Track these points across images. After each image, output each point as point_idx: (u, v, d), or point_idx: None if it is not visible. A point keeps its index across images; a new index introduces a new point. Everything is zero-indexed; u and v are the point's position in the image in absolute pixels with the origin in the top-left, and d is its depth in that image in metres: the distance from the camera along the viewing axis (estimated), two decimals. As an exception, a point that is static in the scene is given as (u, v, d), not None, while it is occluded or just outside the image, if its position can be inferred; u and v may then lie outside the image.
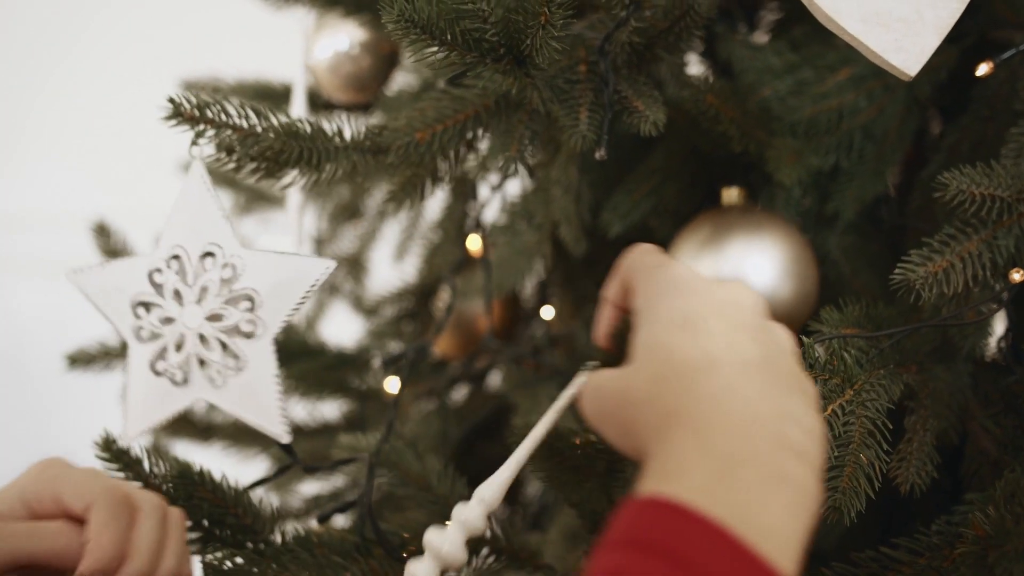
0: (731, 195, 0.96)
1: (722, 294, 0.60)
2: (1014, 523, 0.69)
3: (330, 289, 1.47)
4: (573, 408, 0.69)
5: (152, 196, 2.09)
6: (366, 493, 0.84)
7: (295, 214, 1.03)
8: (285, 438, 0.80)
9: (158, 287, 0.80)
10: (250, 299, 0.78)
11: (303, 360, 1.20)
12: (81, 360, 1.12)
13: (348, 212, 1.42)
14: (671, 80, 0.92)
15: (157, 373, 0.82)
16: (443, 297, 1.27)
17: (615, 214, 0.99)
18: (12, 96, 2.55)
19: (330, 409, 1.30)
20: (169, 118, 0.73)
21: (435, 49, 0.74)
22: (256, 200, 1.44)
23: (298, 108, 1.08)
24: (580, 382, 0.68)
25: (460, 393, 1.30)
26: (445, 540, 0.67)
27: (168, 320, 0.80)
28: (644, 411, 0.57)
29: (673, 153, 0.98)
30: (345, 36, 1.11)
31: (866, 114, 0.95)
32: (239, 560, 0.80)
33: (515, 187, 1.17)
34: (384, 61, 1.13)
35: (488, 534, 0.86)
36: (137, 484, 0.82)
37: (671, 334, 0.58)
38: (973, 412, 0.85)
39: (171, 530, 0.75)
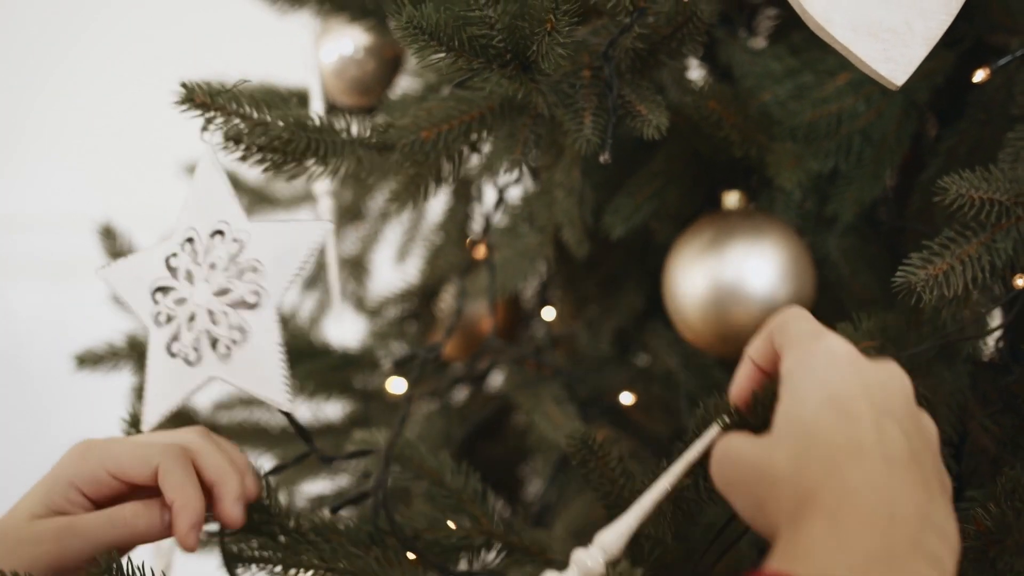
0: (732, 198, 0.98)
1: (873, 375, 0.59)
2: (1015, 518, 0.70)
3: (329, 290, 1.48)
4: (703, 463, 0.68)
5: (151, 197, 2.10)
6: (381, 484, 0.85)
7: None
8: (287, 405, 0.79)
9: (173, 271, 0.81)
10: (255, 270, 0.79)
11: (308, 361, 1.21)
12: (89, 360, 1.13)
13: (350, 214, 1.43)
14: (673, 85, 0.94)
15: (172, 355, 0.82)
16: (446, 299, 1.28)
17: (617, 217, 1.00)
18: (11, 96, 2.55)
19: (334, 409, 1.31)
20: (181, 103, 0.74)
21: (442, 55, 0.75)
22: (259, 202, 1.45)
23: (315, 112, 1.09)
24: (711, 436, 0.67)
25: (462, 393, 1.31)
26: None
27: (181, 301, 0.81)
28: (780, 490, 0.56)
29: (674, 157, 0.99)
30: (350, 40, 1.12)
31: (865, 118, 0.96)
32: (257, 545, 0.81)
33: (517, 189, 1.18)
34: (388, 65, 1.14)
35: (497, 529, 0.87)
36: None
37: (818, 413, 0.57)
38: (972, 411, 0.85)
39: (227, 449, 0.77)
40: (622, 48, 0.83)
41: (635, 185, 1.00)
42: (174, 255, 0.82)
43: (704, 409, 0.71)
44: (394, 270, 1.39)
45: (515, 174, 0.98)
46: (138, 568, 0.74)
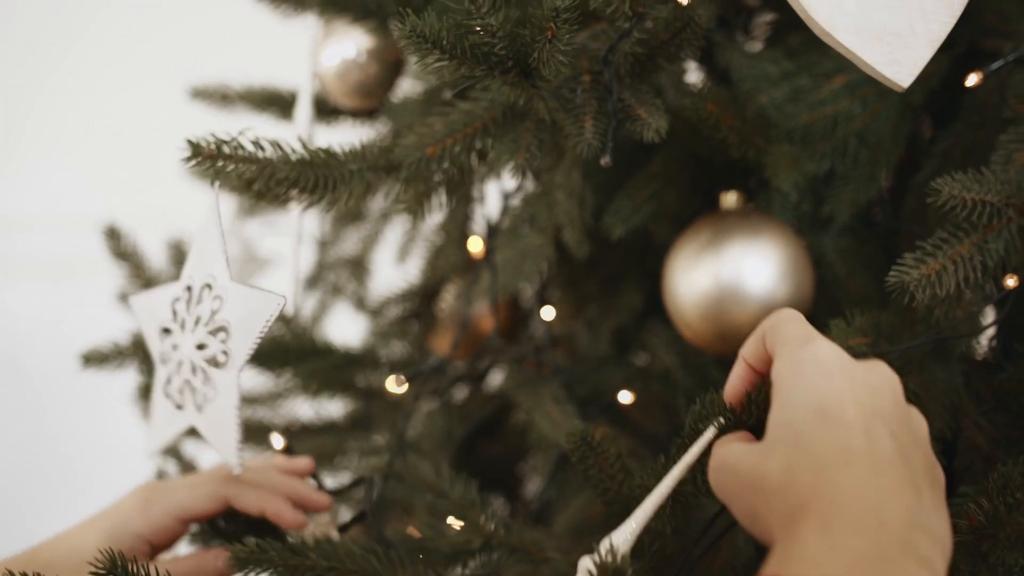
0: (729, 199, 0.99)
1: (862, 378, 0.60)
2: (1006, 513, 0.71)
3: (333, 290, 1.49)
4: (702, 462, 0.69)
5: (151, 198, 2.11)
6: (372, 513, 0.89)
7: (296, 218, 1.05)
8: (237, 469, 0.83)
9: (175, 315, 0.84)
10: (225, 330, 0.80)
11: (311, 360, 1.22)
12: (94, 359, 1.14)
13: (351, 215, 1.44)
14: (671, 88, 0.95)
15: (167, 396, 0.86)
16: (447, 298, 1.29)
17: (617, 218, 1.01)
18: (11, 97, 2.55)
19: (336, 408, 1.32)
20: (189, 159, 0.76)
21: (445, 62, 0.76)
22: (260, 203, 1.46)
23: (303, 115, 1.10)
24: (707, 438, 0.69)
25: (462, 392, 1.32)
26: None
27: (176, 347, 0.84)
28: (774, 501, 0.58)
29: (673, 159, 1.00)
30: (352, 43, 1.13)
31: (860, 120, 0.97)
32: (264, 547, 0.83)
33: (517, 191, 1.19)
34: (390, 68, 1.15)
35: (497, 533, 0.88)
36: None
37: (808, 421, 0.58)
38: (966, 409, 0.87)
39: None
40: (621, 53, 0.84)
41: (634, 187, 1.01)
42: (178, 299, 0.84)
43: (701, 406, 0.72)
44: (395, 270, 1.40)
45: (518, 178, 0.99)
46: (142, 567, 0.77)
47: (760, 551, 0.92)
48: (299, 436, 1.29)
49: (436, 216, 1.29)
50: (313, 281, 1.49)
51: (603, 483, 0.80)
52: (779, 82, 0.98)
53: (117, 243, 1.21)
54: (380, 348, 1.31)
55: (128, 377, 1.23)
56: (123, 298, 1.25)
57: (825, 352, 0.61)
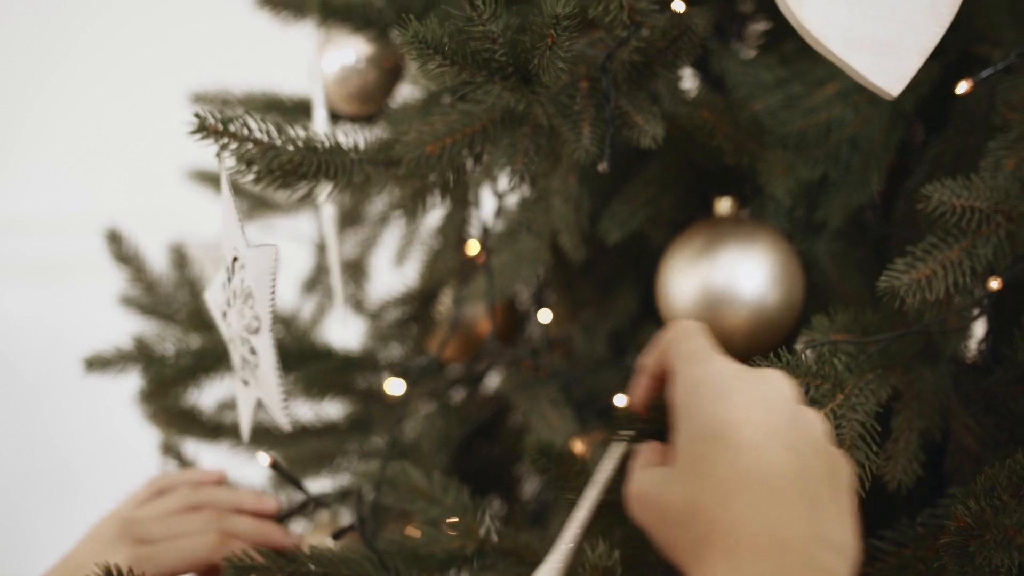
0: (724, 205, 1.00)
1: (755, 394, 0.61)
2: (993, 514, 0.72)
3: (331, 293, 1.50)
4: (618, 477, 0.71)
5: (147, 200, 2.12)
6: (364, 523, 0.89)
7: (327, 219, 1.06)
8: (286, 427, 0.83)
9: (225, 297, 0.85)
10: (251, 295, 0.81)
11: (312, 363, 1.24)
12: (97, 364, 1.15)
13: (349, 218, 1.45)
14: (667, 95, 0.96)
15: (239, 378, 0.87)
16: (445, 302, 1.30)
17: (613, 222, 1.02)
18: (8, 97, 2.56)
19: (336, 410, 1.33)
20: (195, 132, 0.76)
21: (447, 68, 0.78)
22: (260, 206, 1.47)
23: (319, 121, 1.11)
24: (617, 454, 0.71)
25: (460, 394, 1.33)
26: None
27: (231, 326, 0.85)
28: (681, 533, 0.58)
29: (669, 165, 1.02)
30: (352, 50, 1.14)
31: (853, 126, 0.98)
32: (265, 559, 0.84)
33: (514, 196, 1.20)
34: (389, 74, 1.17)
35: (490, 538, 0.90)
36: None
37: (705, 448, 0.59)
38: (955, 411, 0.88)
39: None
40: (619, 60, 0.85)
41: (630, 192, 1.02)
42: (224, 283, 0.85)
43: (613, 420, 0.73)
44: (393, 273, 1.41)
45: (514, 182, 1.00)
46: None
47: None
48: (300, 438, 1.30)
49: (433, 220, 1.31)
50: (311, 284, 1.50)
51: (568, 493, 0.81)
52: (773, 89, 1.00)
53: (118, 246, 1.22)
54: (379, 351, 1.32)
55: (127, 380, 1.24)
56: (123, 301, 1.26)
57: (718, 372, 0.62)
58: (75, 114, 2.51)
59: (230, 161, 0.79)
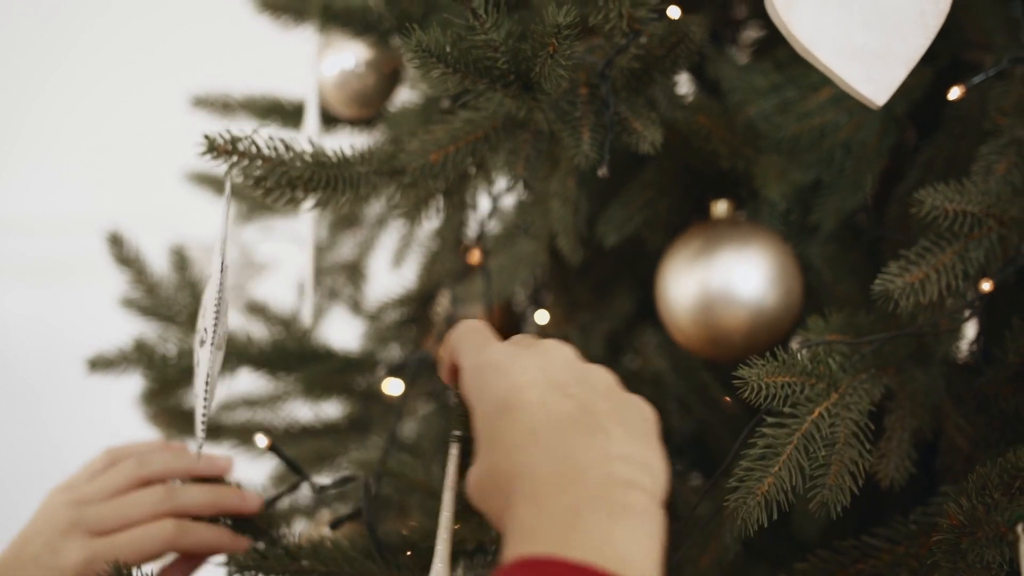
0: (720, 208, 1.01)
1: (532, 362, 0.63)
2: (985, 512, 0.73)
3: (330, 294, 1.51)
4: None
5: (146, 201, 2.13)
6: (367, 507, 0.89)
7: (309, 225, 1.07)
8: (199, 444, 0.82)
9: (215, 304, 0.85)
10: (205, 309, 0.82)
11: (312, 364, 1.25)
12: (100, 364, 1.16)
13: (347, 220, 1.46)
14: (664, 100, 0.97)
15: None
16: (443, 303, 1.31)
17: (611, 225, 1.03)
18: (7, 98, 2.56)
19: (335, 410, 1.34)
20: (205, 153, 0.78)
21: (449, 76, 0.79)
22: (258, 208, 1.48)
23: (311, 125, 1.12)
24: (454, 455, 0.76)
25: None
26: None
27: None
28: (497, 502, 0.60)
29: (666, 169, 1.03)
30: (351, 55, 1.16)
31: (846, 131, 0.99)
32: (264, 558, 0.85)
33: (511, 199, 1.22)
34: (387, 79, 1.18)
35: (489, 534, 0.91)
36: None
37: (494, 422, 0.61)
38: (947, 411, 0.89)
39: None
40: (618, 67, 0.87)
41: (628, 195, 1.03)
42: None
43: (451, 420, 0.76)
44: (391, 275, 1.42)
45: (514, 186, 1.01)
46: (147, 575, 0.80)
47: (749, 549, 0.95)
48: (299, 438, 1.31)
49: (432, 222, 1.32)
50: (304, 287, 1.51)
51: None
52: (767, 94, 1.01)
53: (120, 249, 1.23)
54: (378, 351, 1.34)
55: (126, 381, 1.25)
56: (124, 303, 1.27)
57: (496, 354, 0.65)
58: (75, 114, 2.51)
59: (239, 178, 0.80)
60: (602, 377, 0.65)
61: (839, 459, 0.77)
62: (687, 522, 0.90)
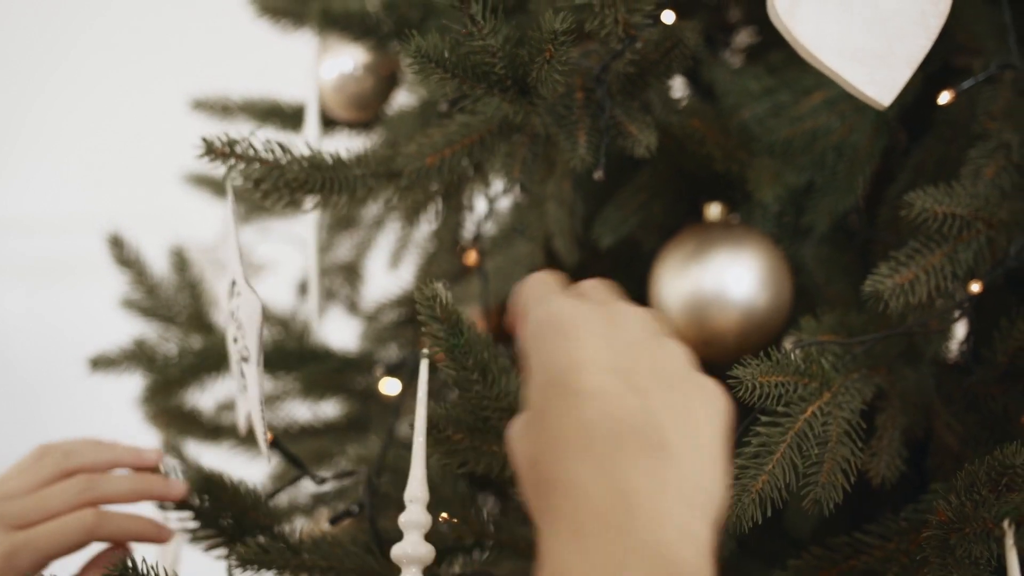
0: (714, 211, 1.02)
1: (602, 328, 0.56)
2: (973, 508, 0.74)
3: (327, 295, 1.52)
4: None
5: (145, 201, 2.14)
6: (367, 501, 0.90)
7: (312, 227, 1.09)
8: (266, 458, 0.85)
9: (228, 307, 0.87)
10: (241, 327, 0.83)
11: (311, 363, 1.26)
12: (102, 363, 1.17)
13: (344, 222, 1.47)
14: (658, 104, 0.98)
15: (236, 380, 0.89)
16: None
17: (606, 227, 1.04)
18: (7, 98, 2.56)
19: (334, 410, 1.35)
20: (203, 155, 0.79)
21: (447, 81, 0.80)
22: (255, 210, 1.49)
23: (311, 130, 1.13)
24: (425, 366, 0.77)
25: (455, 393, 1.35)
26: (409, 546, 0.73)
27: (234, 341, 0.87)
28: (530, 491, 0.55)
29: (660, 172, 1.04)
30: (349, 58, 1.17)
31: (838, 134, 1.00)
32: (266, 552, 0.86)
33: (507, 201, 1.23)
34: (385, 82, 1.19)
35: (487, 529, 0.92)
36: None
37: (548, 396, 0.55)
38: (937, 410, 0.90)
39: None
40: (613, 72, 0.88)
41: (623, 198, 1.05)
42: (229, 294, 0.87)
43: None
44: (388, 276, 1.43)
45: (510, 189, 1.02)
46: (152, 568, 0.80)
47: (743, 546, 0.96)
48: (298, 437, 1.32)
49: (429, 224, 1.33)
50: (307, 287, 1.52)
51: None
52: (760, 98, 1.02)
53: (120, 250, 1.24)
54: (376, 351, 1.35)
55: (126, 382, 1.26)
56: (124, 304, 1.28)
57: (562, 310, 0.57)
58: (75, 115, 2.51)
59: (237, 180, 0.81)
60: (674, 359, 0.57)
61: (832, 457, 0.78)
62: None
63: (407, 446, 0.97)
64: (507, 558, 0.92)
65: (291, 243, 1.42)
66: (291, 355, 1.25)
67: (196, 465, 1.07)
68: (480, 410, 0.81)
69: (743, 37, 1.17)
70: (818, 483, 0.77)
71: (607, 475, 0.51)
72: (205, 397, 1.25)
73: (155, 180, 1.76)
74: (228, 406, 1.33)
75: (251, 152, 0.79)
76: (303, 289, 1.52)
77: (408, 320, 1.38)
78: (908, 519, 0.83)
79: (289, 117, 1.23)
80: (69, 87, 2.56)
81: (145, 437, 1.32)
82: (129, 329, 1.27)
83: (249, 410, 0.88)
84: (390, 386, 1.17)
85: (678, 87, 1.13)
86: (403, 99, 1.23)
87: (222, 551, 0.91)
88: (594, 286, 0.63)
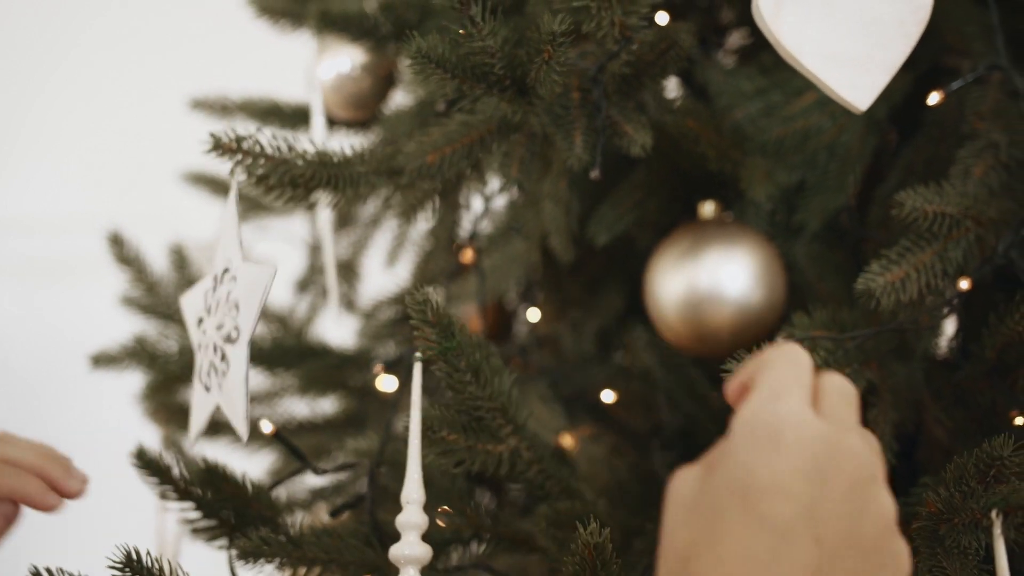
0: (708, 209, 1.04)
1: (812, 452, 0.50)
2: (962, 500, 0.76)
3: (324, 292, 1.53)
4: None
5: (144, 201, 2.14)
6: (368, 494, 0.92)
7: (324, 222, 1.10)
8: (244, 438, 0.84)
9: (206, 304, 0.87)
10: (237, 307, 0.83)
11: (309, 361, 1.27)
12: (103, 361, 1.18)
13: (341, 220, 1.48)
14: (653, 104, 1.00)
15: (200, 382, 0.89)
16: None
17: (602, 225, 1.06)
18: (7, 98, 2.55)
19: (332, 406, 1.36)
20: (211, 151, 0.80)
21: (447, 81, 0.82)
22: (254, 208, 1.50)
23: (318, 129, 1.15)
24: (418, 370, 0.78)
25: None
26: (406, 546, 0.74)
27: (205, 332, 0.87)
28: (669, 571, 0.51)
29: (655, 171, 1.05)
30: (347, 58, 1.18)
31: (829, 134, 1.02)
32: (267, 544, 0.87)
33: (504, 200, 1.24)
34: (383, 82, 1.21)
35: (485, 523, 0.93)
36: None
37: (729, 502, 0.50)
38: (927, 405, 0.92)
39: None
40: (609, 72, 0.89)
41: (618, 196, 1.06)
42: (208, 290, 0.87)
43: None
44: (385, 274, 1.44)
45: (506, 186, 1.04)
46: (156, 559, 0.81)
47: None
48: (296, 433, 1.33)
49: (426, 221, 1.34)
50: (304, 284, 1.53)
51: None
52: (753, 98, 1.03)
53: (120, 249, 1.25)
54: (374, 348, 1.36)
55: (126, 381, 1.27)
56: (124, 301, 1.29)
57: (786, 417, 0.52)
58: (75, 114, 2.51)
59: (242, 176, 0.82)
60: (877, 522, 0.52)
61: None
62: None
63: (405, 441, 0.99)
64: (504, 550, 0.94)
65: (289, 241, 1.43)
66: (289, 352, 1.26)
67: (201, 459, 1.08)
68: (474, 410, 0.83)
69: (736, 38, 1.18)
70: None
71: None
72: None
73: (155, 180, 1.77)
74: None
75: (257, 148, 0.81)
76: (301, 286, 1.53)
77: (405, 317, 1.38)
78: (899, 511, 0.84)
79: (288, 117, 1.24)
80: (69, 87, 2.56)
81: (145, 437, 1.33)
82: (129, 329, 1.27)
83: (219, 401, 0.87)
84: (387, 383, 1.18)
85: (672, 87, 1.14)
86: (400, 99, 1.24)
87: (223, 542, 0.92)
88: (840, 391, 0.56)
